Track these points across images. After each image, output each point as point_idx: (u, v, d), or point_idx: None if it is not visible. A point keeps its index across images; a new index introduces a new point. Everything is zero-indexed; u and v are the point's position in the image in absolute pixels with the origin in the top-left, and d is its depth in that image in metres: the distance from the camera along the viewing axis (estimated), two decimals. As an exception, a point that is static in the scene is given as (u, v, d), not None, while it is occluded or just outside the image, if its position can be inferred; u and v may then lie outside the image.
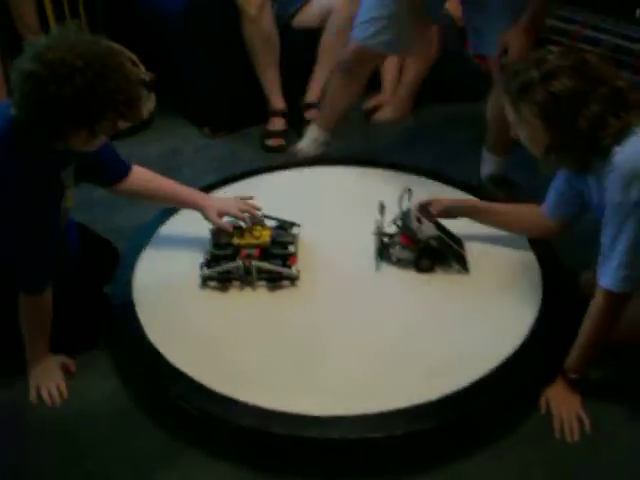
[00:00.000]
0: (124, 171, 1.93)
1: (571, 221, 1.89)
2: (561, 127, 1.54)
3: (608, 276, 1.57)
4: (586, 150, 1.56)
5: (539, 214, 1.91)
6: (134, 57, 2.98)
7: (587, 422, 1.66)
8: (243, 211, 1.99)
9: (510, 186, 2.48)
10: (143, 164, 2.08)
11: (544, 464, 1.59)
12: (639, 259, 1.54)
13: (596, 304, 1.62)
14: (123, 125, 1.62)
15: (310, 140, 2.64)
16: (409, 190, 1.98)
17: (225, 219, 1.99)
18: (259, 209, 2.02)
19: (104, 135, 1.63)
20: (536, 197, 1.94)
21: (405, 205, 1.97)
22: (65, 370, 1.82)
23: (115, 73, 1.51)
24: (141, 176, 1.97)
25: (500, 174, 2.50)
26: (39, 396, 1.77)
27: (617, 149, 1.51)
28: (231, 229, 1.96)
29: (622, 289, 1.57)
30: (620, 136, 1.52)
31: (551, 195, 1.86)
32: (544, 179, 1.87)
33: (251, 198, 2.06)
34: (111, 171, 1.91)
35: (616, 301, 1.60)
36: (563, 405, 1.68)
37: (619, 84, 1.54)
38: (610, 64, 1.58)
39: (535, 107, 1.54)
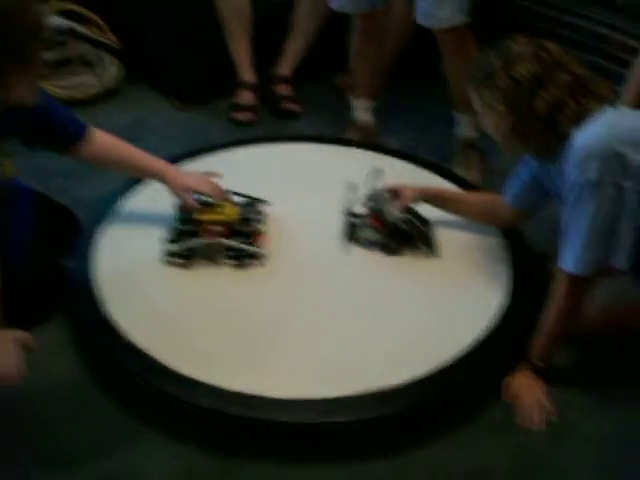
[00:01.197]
0: (79, 134, 1.85)
1: (530, 211, 1.91)
2: (521, 111, 1.56)
3: (569, 258, 1.56)
4: (546, 133, 1.57)
5: (500, 204, 1.92)
6: (100, 22, 2.90)
7: (550, 410, 1.65)
8: (210, 187, 1.93)
9: (480, 154, 2.48)
10: (108, 133, 2.02)
11: (505, 452, 1.58)
12: (599, 241, 1.52)
13: (558, 288, 1.61)
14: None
15: (362, 111, 2.61)
16: (378, 170, 1.95)
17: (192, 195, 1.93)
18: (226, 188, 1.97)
19: (37, 73, 1.54)
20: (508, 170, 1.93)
21: (374, 186, 1.94)
22: (23, 345, 1.77)
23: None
24: (101, 141, 1.89)
25: (466, 135, 2.49)
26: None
27: (577, 132, 1.53)
28: (196, 206, 1.90)
29: (583, 271, 1.55)
30: (579, 120, 1.53)
31: (512, 185, 1.87)
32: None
33: (220, 176, 2.00)
34: (65, 134, 1.83)
35: (578, 284, 1.58)
36: (527, 393, 1.67)
37: (578, 71, 1.56)
38: (571, 53, 1.61)
39: (498, 93, 1.57)
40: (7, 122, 1.61)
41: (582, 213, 1.51)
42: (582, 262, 1.55)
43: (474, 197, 2.07)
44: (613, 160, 1.45)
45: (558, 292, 1.61)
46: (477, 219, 2.03)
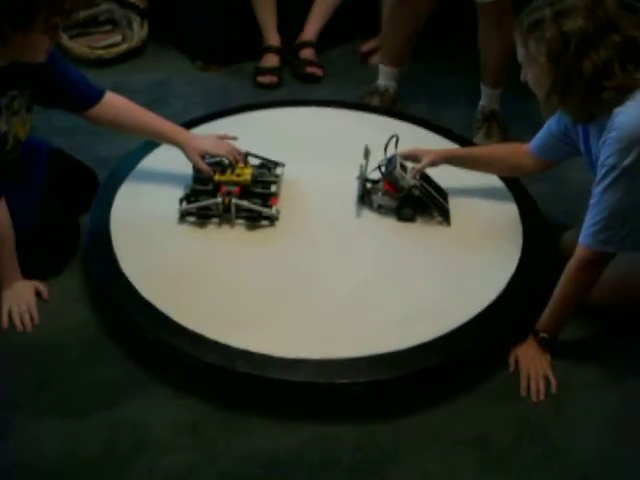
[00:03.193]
0: (95, 96, 1.88)
1: (554, 162, 1.88)
2: (566, 69, 1.48)
3: (590, 234, 1.56)
4: (587, 97, 1.51)
5: (522, 152, 1.90)
6: (129, -18, 2.91)
7: (553, 382, 1.65)
8: (225, 150, 1.95)
9: (500, 124, 2.47)
10: (131, 93, 2.04)
11: (507, 421, 1.59)
12: (623, 222, 1.53)
13: (574, 262, 1.61)
14: (59, 20, 1.61)
15: (386, 77, 2.60)
16: (395, 136, 1.94)
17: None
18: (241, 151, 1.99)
19: (44, 34, 1.59)
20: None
21: (391, 152, 1.94)
22: (37, 295, 1.81)
23: None
24: (116, 104, 1.92)
25: (490, 107, 2.48)
26: (10, 320, 1.76)
27: (621, 109, 1.48)
28: (210, 171, 1.92)
29: (602, 249, 1.56)
30: (623, 92, 1.48)
31: (542, 135, 1.83)
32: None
33: (235, 138, 2.01)
34: (80, 95, 1.87)
35: (594, 260, 1.58)
36: (531, 364, 1.67)
37: (633, 34, 1.48)
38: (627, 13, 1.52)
39: (543, 45, 1.48)
40: (14, 76, 1.65)
41: (612, 195, 1.51)
42: (602, 241, 1.55)
43: (494, 150, 2.04)
44: None
45: (573, 266, 1.61)
46: (499, 172, 2.02)
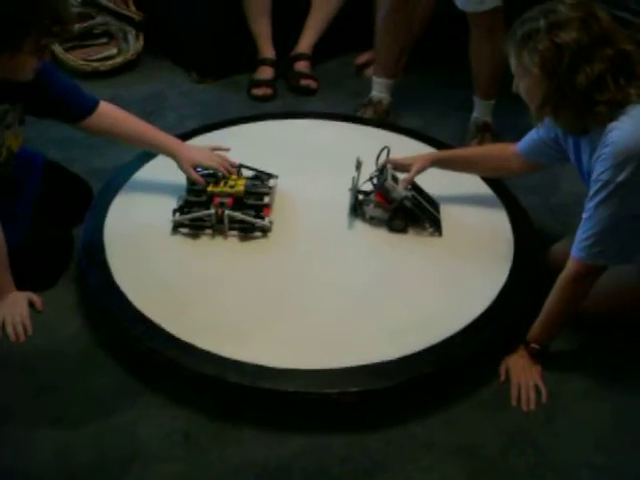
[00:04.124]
0: (89, 107, 1.90)
1: (540, 165, 1.89)
2: (559, 81, 1.48)
3: (582, 248, 1.57)
4: (580, 110, 1.51)
5: (510, 152, 1.91)
6: (125, -5, 2.94)
7: (544, 393, 1.66)
8: (217, 162, 1.97)
9: (493, 135, 2.49)
10: (126, 105, 2.05)
11: (497, 431, 1.59)
12: (616, 236, 1.54)
13: (566, 274, 1.61)
14: (48, 42, 1.62)
15: (380, 89, 2.62)
16: (387, 148, 1.96)
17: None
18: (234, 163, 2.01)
19: (32, 55, 1.61)
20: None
21: (382, 163, 1.96)
22: (31, 306, 1.82)
23: None
24: (111, 114, 1.94)
25: (482, 118, 2.51)
26: (3, 330, 1.76)
27: (615, 124, 1.48)
28: (203, 181, 1.94)
29: (594, 262, 1.57)
30: (615, 106, 1.48)
31: (531, 138, 1.84)
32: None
33: (228, 150, 2.03)
34: (74, 106, 1.88)
35: (586, 273, 1.59)
36: (522, 374, 1.68)
37: (626, 48, 1.48)
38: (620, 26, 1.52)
39: (536, 56, 1.48)
40: (5, 92, 1.67)
41: (605, 210, 1.51)
42: (595, 254, 1.55)
43: (482, 150, 2.06)
44: None
45: (565, 278, 1.61)
46: (486, 173, 2.04)
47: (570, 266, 1.60)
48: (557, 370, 1.72)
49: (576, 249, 1.58)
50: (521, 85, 1.58)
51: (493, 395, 1.67)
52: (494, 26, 2.28)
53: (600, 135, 1.51)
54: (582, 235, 1.57)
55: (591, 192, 1.54)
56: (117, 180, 2.10)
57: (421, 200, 1.93)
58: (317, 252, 1.89)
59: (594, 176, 1.52)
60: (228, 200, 1.90)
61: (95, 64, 2.84)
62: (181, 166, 1.96)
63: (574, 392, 1.69)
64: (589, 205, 1.55)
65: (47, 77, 1.77)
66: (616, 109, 1.48)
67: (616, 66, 1.47)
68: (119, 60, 2.89)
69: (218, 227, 1.90)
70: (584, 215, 1.57)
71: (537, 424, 1.61)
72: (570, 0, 1.50)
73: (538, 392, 1.66)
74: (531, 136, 1.84)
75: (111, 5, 2.88)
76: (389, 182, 1.90)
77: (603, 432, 1.61)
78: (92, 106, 1.90)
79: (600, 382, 1.71)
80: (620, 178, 1.47)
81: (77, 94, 1.88)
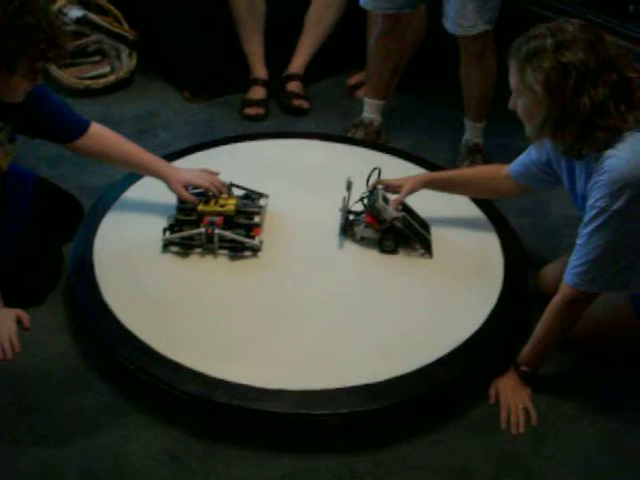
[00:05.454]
0: (80, 129, 1.90)
1: (531, 189, 1.89)
2: (563, 101, 1.45)
3: (575, 274, 1.56)
4: (580, 135, 1.48)
5: (502, 175, 1.90)
6: (119, 15, 2.94)
7: (533, 415, 1.66)
8: (208, 182, 1.97)
9: (484, 156, 2.50)
10: (119, 123, 2.06)
11: (487, 453, 1.59)
12: (610, 265, 1.53)
13: (558, 299, 1.61)
14: (42, 66, 1.62)
15: (371, 110, 2.63)
16: (377, 169, 1.96)
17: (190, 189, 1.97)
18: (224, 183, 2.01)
19: (25, 78, 1.61)
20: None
21: (373, 184, 1.96)
22: (19, 323, 1.81)
23: (37, 11, 1.52)
24: (101, 136, 1.94)
25: (473, 140, 2.52)
26: (-9, 348, 1.75)
27: (612, 152, 1.47)
28: (196, 200, 1.94)
29: (587, 289, 1.56)
30: (613, 132, 1.46)
31: (523, 162, 1.84)
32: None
33: (217, 174, 2.03)
34: (65, 128, 1.88)
35: (578, 299, 1.58)
36: (512, 396, 1.67)
37: (629, 74, 1.47)
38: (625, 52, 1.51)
39: (541, 74, 1.44)
40: None
41: (600, 237, 1.51)
42: (588, 281, 1.55)
43: (473, 172, 2.06)
44: None
45: (557, 303, 1.61)
46: (478, 194, 2.04)
47: (562, 292, 1.60)
48: (548, 392, 1.72)
49: (569, 275, 1.57)
50: (520, 102, 1.54)
51: (483, 417, 1.66)
52: (484, 50, 2.30)
53: (596, 161, 1.50)
54: (576, 261, 1.56)
55: (586, 219, 1.53)
56: (108, 198, 2.10)
57: (412, 221, 1.93)
58: (307, 272, 1.88)
59: (590, 202, 1.52)
60: (218, 219, 1.90)
61: (88, 82, 2.84)
62: (173, 188, 1.96)
63: (565, 415, 1.68)
64: (584, 232, 1.54)
65: (39, 97, 1.77)
66: (613, 135, 1.47)
67: (619, 92, 1.45)
68: (112, 78, 2.89)
69: (208, 246, 1.89)
70: (578, 241, 1.56)
71: (527, 447, 1.61)
72: (579, 21, 1.49)
73: (528, 415, 1.66)
74: (522, 160, 1.84)
75: (105, 24, 2.89)
76: (380, 203, 1.90)
77: (594, 455, 1.60)
78: (82, 128, 1.90)
79: (591, 405, 1.71)
80: (616, 206, 1.46)
81: (68, 115, 1.88)
